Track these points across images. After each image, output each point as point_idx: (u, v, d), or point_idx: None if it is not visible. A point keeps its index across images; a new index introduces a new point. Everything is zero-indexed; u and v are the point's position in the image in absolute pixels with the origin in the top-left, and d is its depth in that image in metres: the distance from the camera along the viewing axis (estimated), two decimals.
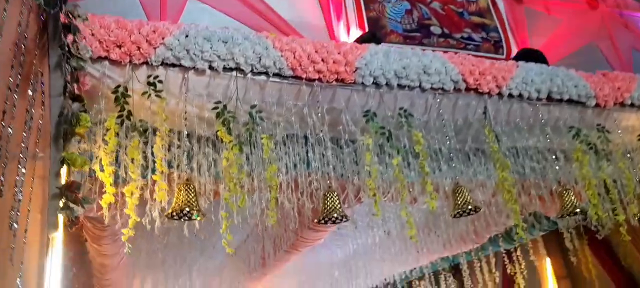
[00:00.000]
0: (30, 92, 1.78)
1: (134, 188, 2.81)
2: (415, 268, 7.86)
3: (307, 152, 3.77)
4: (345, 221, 3.37)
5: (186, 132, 3.32)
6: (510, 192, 3.64)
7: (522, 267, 6.79)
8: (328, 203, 3.28)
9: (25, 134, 1.72)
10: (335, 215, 3.26)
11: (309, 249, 5.92)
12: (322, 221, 3.34)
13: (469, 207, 3.59)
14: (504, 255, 6.89)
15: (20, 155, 1.71)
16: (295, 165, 3.74)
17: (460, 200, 3.59)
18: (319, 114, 3.46)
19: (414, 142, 3.56)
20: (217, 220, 3.22)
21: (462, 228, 5.97)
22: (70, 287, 5.21)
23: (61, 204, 2.32)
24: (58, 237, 2.58)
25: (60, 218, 2.49)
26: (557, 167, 4.36)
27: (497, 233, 6.27)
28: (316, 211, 3.65)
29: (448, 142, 3.89)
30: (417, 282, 8.75)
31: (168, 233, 5.87)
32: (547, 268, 6.88)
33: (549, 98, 4.02)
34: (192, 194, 2.91)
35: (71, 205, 2.31)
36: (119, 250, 4.96)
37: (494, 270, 7.21)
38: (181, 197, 2.88)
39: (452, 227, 6.03)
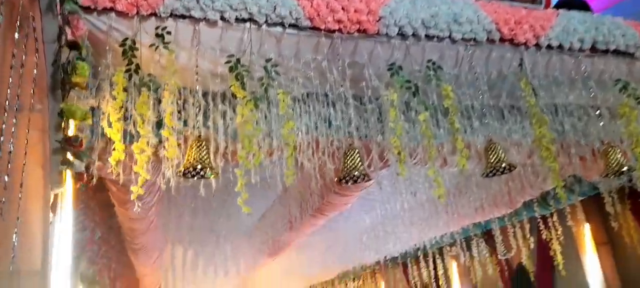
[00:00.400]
0: (16, 36, 1.64)
1: (144, 145, 2.70)
2: (446, 234, 7.67)
3: (328, 111, 3.59)
4: (366, 180, 3.18)
5: (202, 90, 3.17)
6: (549, 149, 3.38)
7: (559, 232, 6.50)
8: (348, 162, 3.10)
9: (11, 80, 1.60)
10: (355, 173, 3.07)
11: (336, 214, 5.81)
12: (343, 180, 3.17)
13: (503, 165, 3.34)
14: (539, 220, 6.60)
15: (7, 103, 1.58)
16: (316, 125, 3.58)
17: (493, 158, 3.34)
18: (340, 69, 3.24)
19: (443, 97, 3.32)
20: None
21: (495, 189, 5.70)
22: (96, 249, 5.28)
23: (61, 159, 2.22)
24: (67, 195, 2.49)
25: (68, 175, 2.41)
26: (600, 124, 4.04)
27: (532, 198, 5.99)
28: (339, 172, 3.48)
29: (480, 98, 3.65)
30: (448, 248, 8.58)
31: (195, 199, 5.89)
32: (586, 234, 6.55)
33: (593, 49, 3.71)
34: (204, 151, 2.77)
35: (72, 159, 2.21)
36: (147, 214, 4.95)
37: (528, 236, 6.94)
38: (193, 154, 2.75)
39: (485, 190, 5.78)
